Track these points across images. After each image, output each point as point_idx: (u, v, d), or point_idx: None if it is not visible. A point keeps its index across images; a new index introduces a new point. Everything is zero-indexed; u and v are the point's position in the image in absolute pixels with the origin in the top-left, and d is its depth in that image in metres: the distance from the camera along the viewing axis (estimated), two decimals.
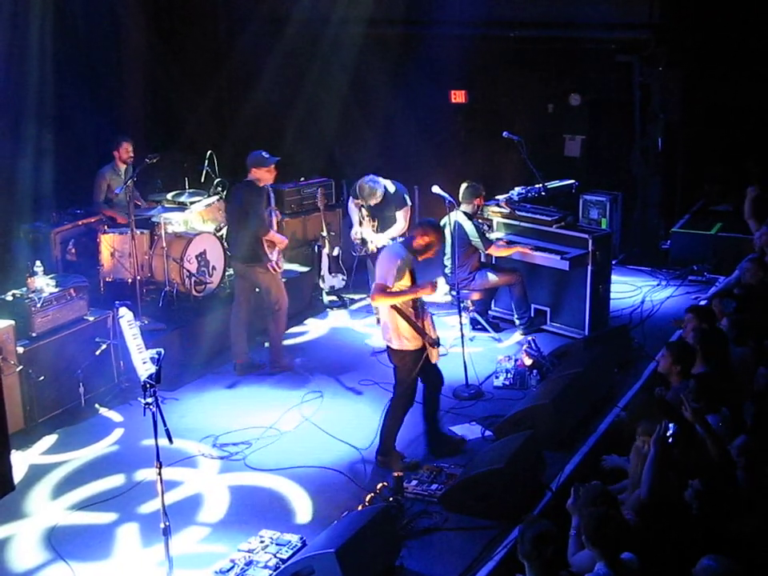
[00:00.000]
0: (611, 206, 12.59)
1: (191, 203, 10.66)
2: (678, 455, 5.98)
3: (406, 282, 7.25)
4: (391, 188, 10.01)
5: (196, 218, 10.65)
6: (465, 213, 9.82)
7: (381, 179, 9.98)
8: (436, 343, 7.38)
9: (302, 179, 12.40)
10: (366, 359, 9.82)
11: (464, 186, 10.00)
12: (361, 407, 8.74)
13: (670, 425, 5.97)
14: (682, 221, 13.06)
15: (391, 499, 6.87)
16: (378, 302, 7.65)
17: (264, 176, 9.02)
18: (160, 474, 5.65)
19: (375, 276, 7.44)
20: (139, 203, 10.89)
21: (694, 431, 6.30)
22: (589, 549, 5.22)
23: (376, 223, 9.97)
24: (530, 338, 9.50)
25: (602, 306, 10.18)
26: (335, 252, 11.24)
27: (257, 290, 9.43)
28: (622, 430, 7.52)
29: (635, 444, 6.31)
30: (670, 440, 5.92)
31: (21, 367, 7.95)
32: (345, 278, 11.31)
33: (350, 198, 10.47)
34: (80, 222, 10.56)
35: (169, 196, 10.87)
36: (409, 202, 10.13)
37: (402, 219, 9.91)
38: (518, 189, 10.88)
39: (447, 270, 10.14)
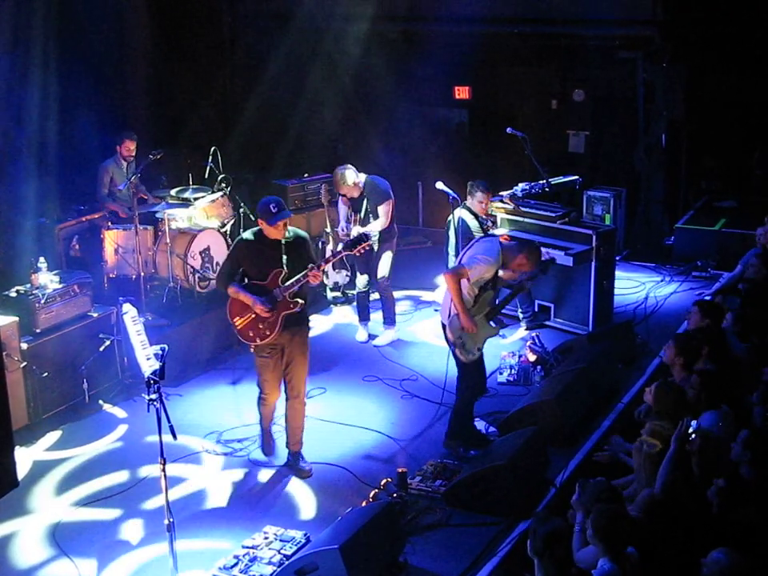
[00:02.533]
0: (615, 202, 12.58)
1: (195, 199, 10.65)
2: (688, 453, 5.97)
3: (481, 281, 7.34)
4: (371, 183, 9.90)
5: (200, 214, 10.63)
6: (468, 209, 9.80)
7: (356, 172, 9.76)
8: (461, 345, 7.37)
9: (306, 175, 12.41)
10: (370, 355, 9.82)
11: (470, 183, 9.92)
12: (364, 403, 8.73)
13: (693, 422, 5.96)
14: (686, 217, 13.03)
15: (395, 495, 6.88)
16: (447, 282, 7.40)
17: (270, 231, 7.20)
18: (164, 470, 5.65)
19: (464, 256, 7.47)
20: (146, 197, 10.90)
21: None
22: (594, 544, 5.19)
23: (359, 217, 9.92)
24: (533, 333, 9.51)
25: (606, 302, 10.17)
26: (339, 248, 11.20)
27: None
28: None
29: (635, 444, 6.30)
30: (692, 437, 5.91)
31: (25, 363, 7.96)
32: (348, 273, 11.28)
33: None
34: (84, 218, 10.58)
35: (173, 192, 10.86)
36: (391, 197, 9.99)
37: (382, 214, 9.83)
38: (521, 185, 10.84)
39: (451, 265, 10.11)
